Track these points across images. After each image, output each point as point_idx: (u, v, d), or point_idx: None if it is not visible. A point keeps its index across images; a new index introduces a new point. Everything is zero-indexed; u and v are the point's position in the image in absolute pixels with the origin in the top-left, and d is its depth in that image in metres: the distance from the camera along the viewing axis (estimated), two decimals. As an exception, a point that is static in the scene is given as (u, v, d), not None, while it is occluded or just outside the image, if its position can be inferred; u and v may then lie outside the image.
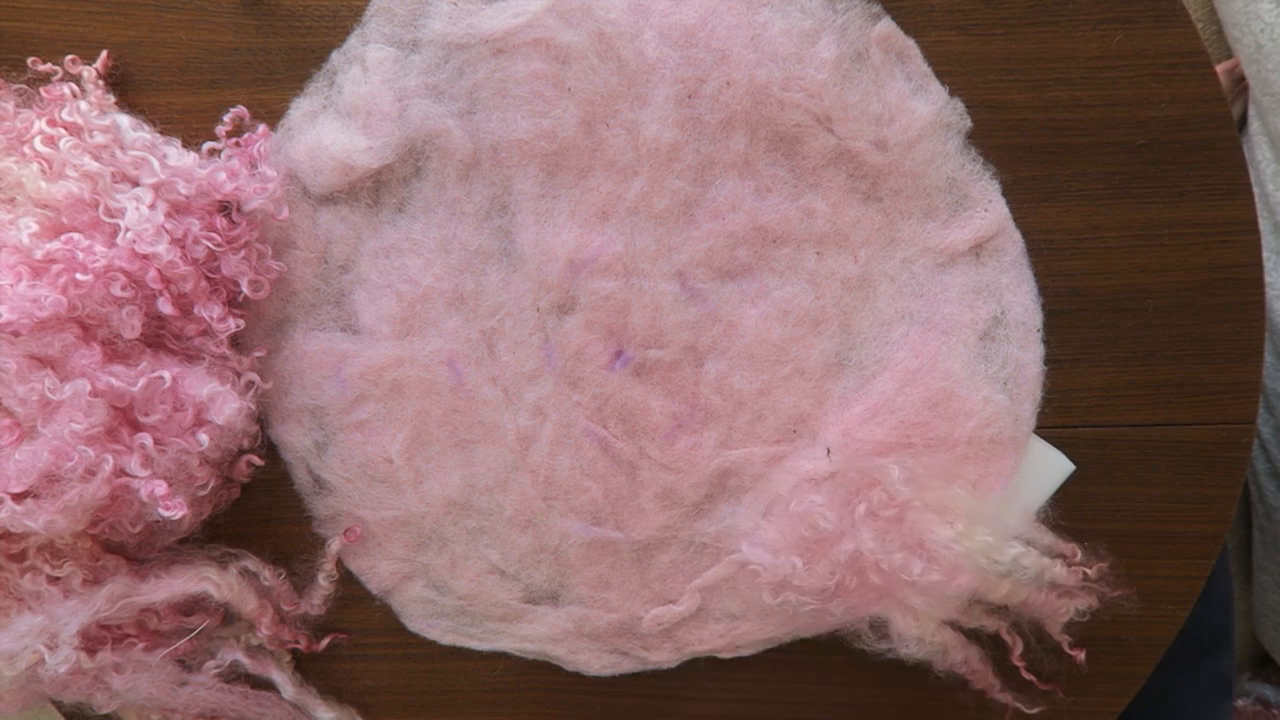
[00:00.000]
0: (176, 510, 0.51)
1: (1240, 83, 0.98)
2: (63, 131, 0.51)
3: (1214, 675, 0.75)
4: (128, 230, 0.50)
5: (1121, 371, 0.58)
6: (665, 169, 0.55)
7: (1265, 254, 0.73)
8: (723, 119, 0.55)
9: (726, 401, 0.58)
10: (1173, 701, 0.73)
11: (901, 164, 0.56)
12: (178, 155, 0.53)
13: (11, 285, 0.48)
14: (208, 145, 0.55)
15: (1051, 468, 0.59)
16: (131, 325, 0.51)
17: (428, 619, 0.61)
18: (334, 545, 0.59)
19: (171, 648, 0.56)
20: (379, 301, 0.57)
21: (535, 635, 0.61)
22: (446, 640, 0.61)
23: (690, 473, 0.58)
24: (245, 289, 0.54)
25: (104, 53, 0.55)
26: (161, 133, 0.54)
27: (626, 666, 0.61)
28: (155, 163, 0.52)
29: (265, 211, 0.54)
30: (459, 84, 0.55)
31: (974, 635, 0.59)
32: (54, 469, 0.48)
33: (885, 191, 0.57)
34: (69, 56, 0.54)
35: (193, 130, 0.56)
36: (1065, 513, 0.59)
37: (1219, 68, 0.99)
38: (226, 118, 0.56)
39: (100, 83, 0.54)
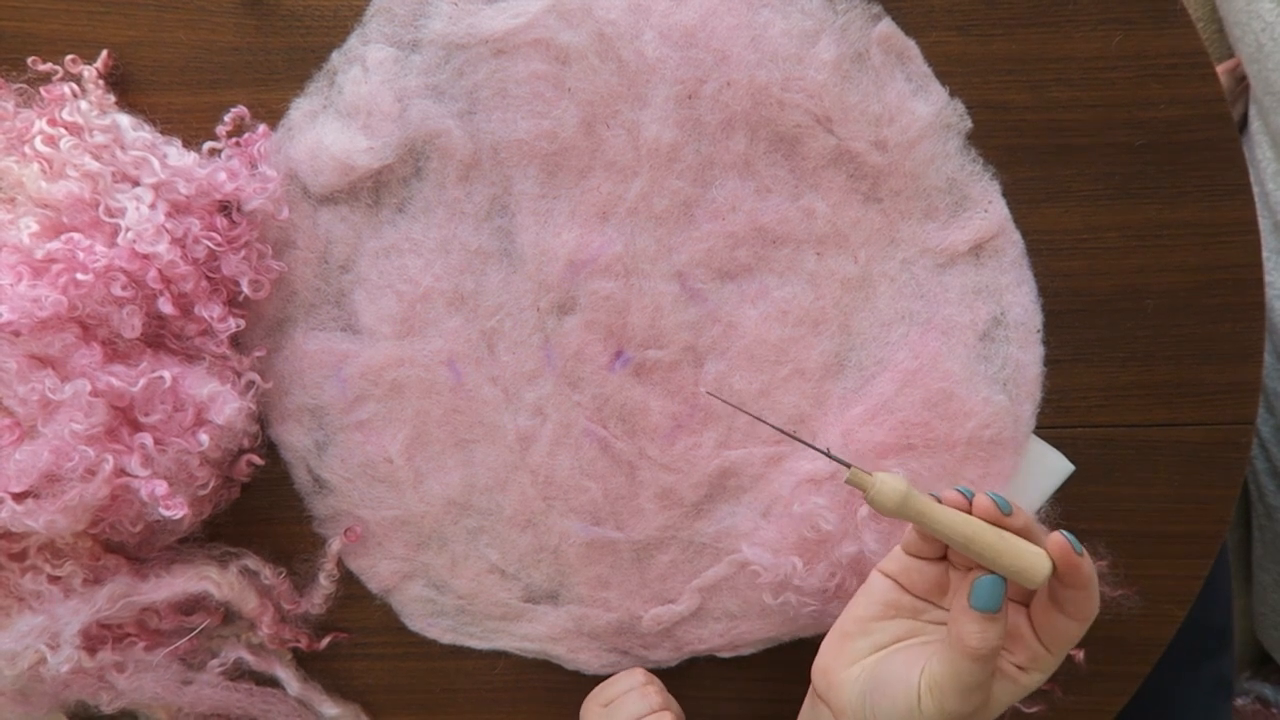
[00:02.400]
0: (177, 510, 0.51)
1: (1242, 82, 0.98)
2: (63, 131, 0.51)
3: (1215, 677, 0.75)
4: (128, 230, 0.50)
5: (1121, 372, 0.58)
6: (665, 169, 0.55)
7: (1265, 254, 0.73)
8: (723, 119, 0.55)
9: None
10: (1174, 703, 0.73)
11: (901, 165, 0.56)
12: (178, 155, 0.53)
13: (12, 285, 0.48)
14: (208, 145, 0.55)
15: (1051, 468, 0.59)
16: (132, 325, 0.51)
17: (428, 618, 0.61)
18: (334, 545, 0.59)
19: (172, 647, 0.56)
20: (379, 301, 0.57)
21: (535, 634, 0.61)
22: (446, 639, 0.62)
23: (690, 473, 0.59)
24: (245, 289, 0.54)
25: (104, 52, 0.55)
26: (162, 132, 0.54)
27: (626, 665, 0.61)
28: (155, 162, 0.52)
29: (265, 211, 0.54)
30: (459, 84, 0.55)
31: (973, 635, 0.59)
32: (54, 469, 0.48)
33: (885, 192, 0.57)
34: (69, 56, 0.54)
35: (193, 130, 0.56)
36: (1065, 513, 0.59)
37: (1220, 67, 0.99)
38: (227, 117, 0.56)
39: (100, 82, 0.54)
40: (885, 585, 0.46)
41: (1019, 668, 0.42)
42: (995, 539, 0.40)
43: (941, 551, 0.44)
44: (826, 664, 0.46)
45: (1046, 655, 0.42)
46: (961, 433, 0.56)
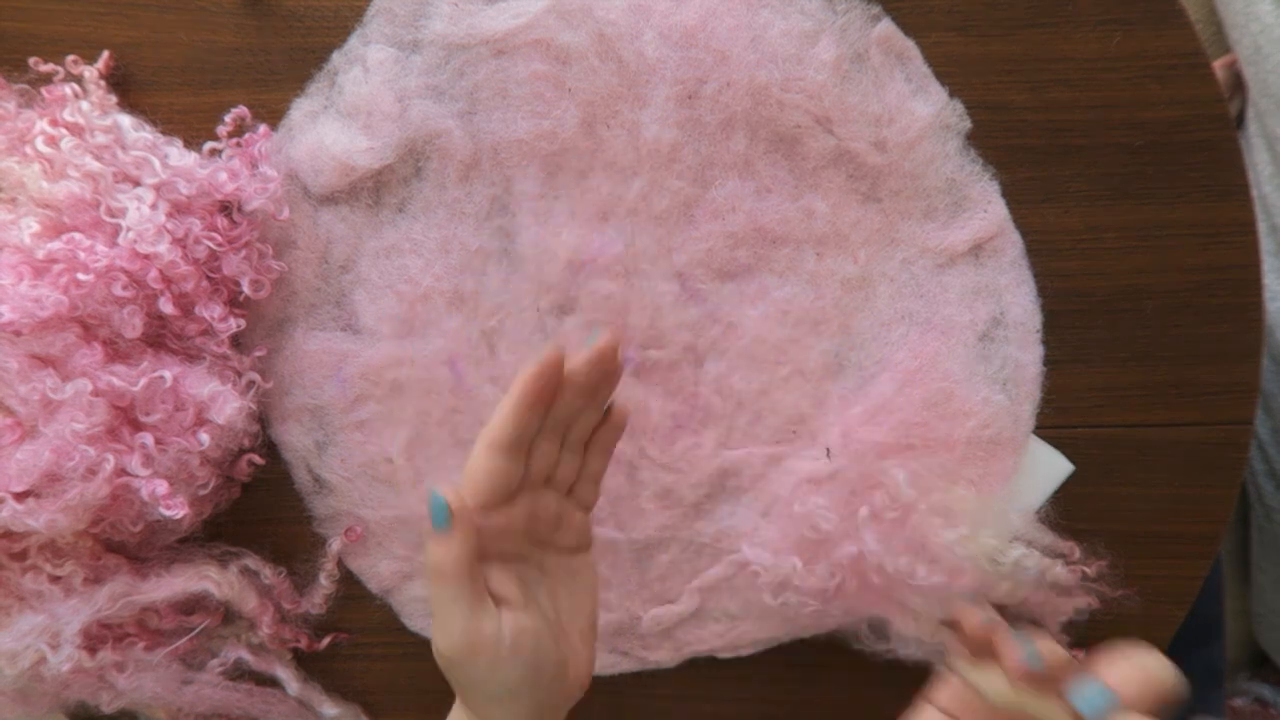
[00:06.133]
0: (177, 509, 0.51)
1: (1239, 77, 0.98)
2: (64, 132, 0.52)
3: (1206, 665, 0.75)
4: (129, 230, 0.50)
5: (1120, 372, 0.59)
6: (665, 169, 0.55)
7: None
8: (723, 120, 0.55)
9: (726, 402, 0.58)
10: None
11: (901, 165, 0.56)
12: (179, 155, 0.53)
13: (13, 285, 0.48)
14: (209, 145, 0.55)
15: (1051, 468, 0.59)
16: (133, 325, 0.51)
17: (428, 618, 0.61)
18: (335, 544, 0.59)
19: (172, 646, 0.56)
20: (379, 301, 0.57)
21: (535, 634, 0.61)
22: (446, 639, 0.62)
23: (690, 473, 0.59)
24: (246, 289, 0.54)
25: (105, 53, 0.55)
26: (163, 133, 0.54)
27: (626, 666, 0.61)
28: (156, 163, 0.52)
29: (266, 211, 0.54)
30: (459, 84, 0.55)
31: (973, 635, 0.59)
32: (55, 468, 0.48)
33: (885, 192, 0.57)
34: (70, 57, 0.54)
35: (194, 130, 0.56)
36: (1064, 513, 0.59)
37: (1216, 63, 0.99)
38: (228, 118, 0.56)
39: (102, 83, 0.54)
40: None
41: None
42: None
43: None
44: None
45: None
46: (961, 433, 0.57)
